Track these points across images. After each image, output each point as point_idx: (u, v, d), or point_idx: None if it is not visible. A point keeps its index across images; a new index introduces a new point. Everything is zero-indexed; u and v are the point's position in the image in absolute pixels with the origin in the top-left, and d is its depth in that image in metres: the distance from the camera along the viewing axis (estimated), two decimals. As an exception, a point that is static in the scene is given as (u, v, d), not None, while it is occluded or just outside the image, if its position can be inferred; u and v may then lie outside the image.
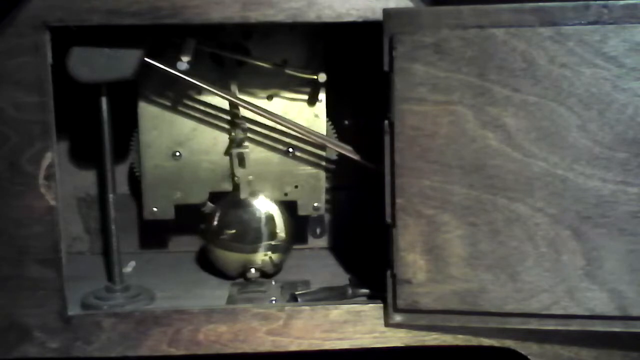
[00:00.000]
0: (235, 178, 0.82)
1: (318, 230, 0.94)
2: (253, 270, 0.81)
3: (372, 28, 0.68)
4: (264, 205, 0.82)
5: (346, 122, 0.90)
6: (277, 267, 0.83)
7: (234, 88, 0.82)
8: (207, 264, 0.84)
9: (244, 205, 0.81)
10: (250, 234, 0.81)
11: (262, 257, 0.81)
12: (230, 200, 0.83)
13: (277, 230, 0.81)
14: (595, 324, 0.67)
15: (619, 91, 0.63)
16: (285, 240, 0.82)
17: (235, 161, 0.82)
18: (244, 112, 0.82)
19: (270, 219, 0.81)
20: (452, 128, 0.66)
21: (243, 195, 0.81)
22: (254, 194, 0.82)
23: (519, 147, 0.65)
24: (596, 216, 0.65)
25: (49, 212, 0.69)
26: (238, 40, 0.83)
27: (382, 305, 0.72)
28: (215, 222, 0.81)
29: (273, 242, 0.81)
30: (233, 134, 0.82)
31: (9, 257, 0.69)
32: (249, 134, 0.83)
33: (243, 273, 0.82)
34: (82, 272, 0.83)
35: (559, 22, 0.63)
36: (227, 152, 0.83)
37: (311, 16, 0.68)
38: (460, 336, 0.72)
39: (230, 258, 0.81)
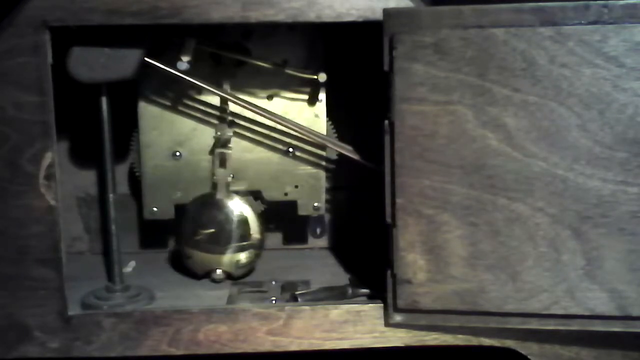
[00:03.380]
0: (214, 177, 0.82)
1: (318, 230, 0.94)
2: (219, 271, 0.80)
3: (372, 28, 0.68)
4: (237, 207, 0.80)
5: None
6: (245, 270, 0.82)
7: (226, 87, 0.82)
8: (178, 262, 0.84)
9: (217, 206, 0.80)
10: (220, 235, 0.79)
11: (230, 258, 0.80)
12: (202, 200, 0.81)
13: (250, 233, 0.80)
14: (595, 324, 0.67)
15: (619, 91, 0.63)
16: (256, 243, 0.81)
17: (217, 161, 0.82)
18: (234, 112, 0.82)
19: (241, 221, 0.80)
20: (452, 128, 0.66)
21: (219, 195, 0.81)
22: (229, 195, 0.81)
23: (519, 147, 0.65)
24: (596, 216, 0.65)
25: (49, 212, 0.69)
26: (238, 40, 0.83)
27: (382, 305, 0.72)
28: (187, 221, 0.81)
29: (242, 244, 0.80)
30: (219, 133, 0.82)
31: (9, 257, 0.69)
32: (250, 134, 0.83)
33: (209, 273, 0.81)
34: (82, 272, 0.83)
35: (559, 22, 0.63)
36: (211, 152, 0.83)
37: (311, 16, 0.68)
38: (460, 336, 0.72)
39: (198, 258, 0.80)
